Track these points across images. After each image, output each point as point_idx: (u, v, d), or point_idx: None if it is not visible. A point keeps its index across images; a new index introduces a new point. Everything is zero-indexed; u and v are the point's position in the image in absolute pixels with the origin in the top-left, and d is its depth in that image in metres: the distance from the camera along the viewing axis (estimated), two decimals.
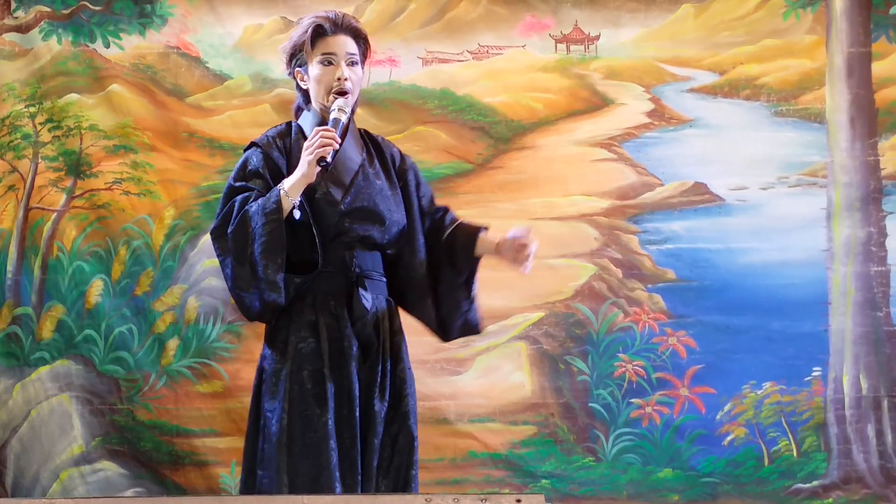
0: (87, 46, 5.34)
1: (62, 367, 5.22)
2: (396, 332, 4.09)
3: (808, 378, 5.30)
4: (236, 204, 3.94)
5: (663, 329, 5.32)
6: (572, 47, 5.43)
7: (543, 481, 5.23)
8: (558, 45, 5.42)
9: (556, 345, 5.32)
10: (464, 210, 5.23)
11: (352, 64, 4.08)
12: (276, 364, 3.98)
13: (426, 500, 3.31)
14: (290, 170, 4.00)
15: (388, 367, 4.03)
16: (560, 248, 5.34)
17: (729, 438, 5.28)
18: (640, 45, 5.43)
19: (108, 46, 5.34)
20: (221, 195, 4.05)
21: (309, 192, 3.94)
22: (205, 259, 5.25)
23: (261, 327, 4.08)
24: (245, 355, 5.18)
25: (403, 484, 3.98)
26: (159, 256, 5.28)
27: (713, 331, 5.32)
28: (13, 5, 5.32)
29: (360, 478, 3.91)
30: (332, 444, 3.88)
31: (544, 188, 5.37)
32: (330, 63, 4.05)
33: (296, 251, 3.93)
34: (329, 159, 3.89)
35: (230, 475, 5.12)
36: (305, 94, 4.15)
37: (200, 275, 5.27)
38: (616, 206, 5.38)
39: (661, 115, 5.43)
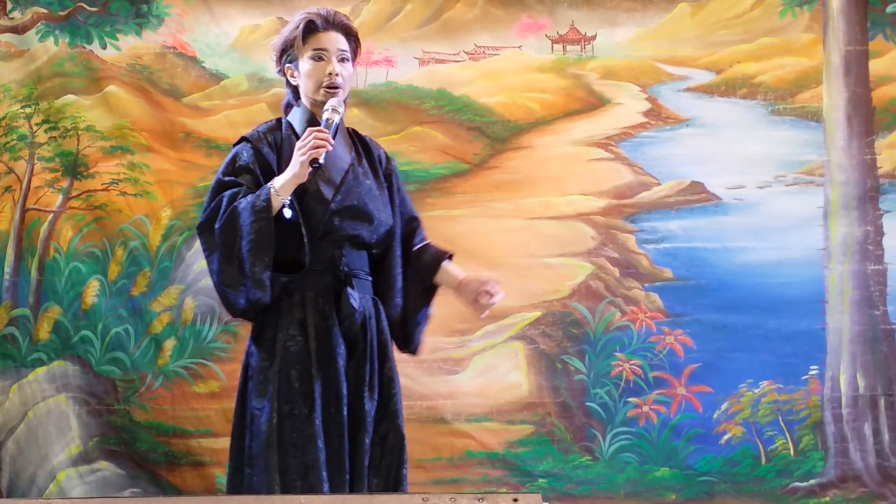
0: (84, 48, 5.34)
1: (59, 367, 5.23)
2: (383, 332, 4.10)
3: (805, 377, 5.30)
4: (224, 199, 3.94)
5: (660, 328, 5.33)
6: (569, 47, 5.43)
7: (541, 480, 5.24)
8: (555, 45, 5.43)
9: (553, 344, 5.32)
10: (461, 210, 5.32)
11: (343, 60, 4.09)
12: (263, 362, 3.98)
13: (423, 499, 3.31)
14: (280, 166, 4.02)
15: (377, 366, 4.03)
16: (557, 247, 5.36)
17: (726, 437, 5.28)
18: (636, 45, 5.44)
19: (104, 47, 5.34)
20: (209, 190, 4.04)
21: (299, 191, 3.95)
22: (202, 259, 5.19)
23: None
24: (242, 356, 5.08)
25: (394, 483, 3.99)
26: (156, 257, 5.29)
27: (710, 330, 5.32)
28: (9, 6, 5.33)
29: (348, 477, 3.91)
30: (320, 443, 3.89)
31: (541, 188, 5.38)
32: (321, 59, 4.06)
33: (283, 250, 3.93)
34: (321, 160, 3.90)
35: (226, 475, 5.12)
36: (295, 90, 4.15)
37: (197, 275, 5.27)
38: (613, 205, 5.38)
39: (657, 115, 5.43)
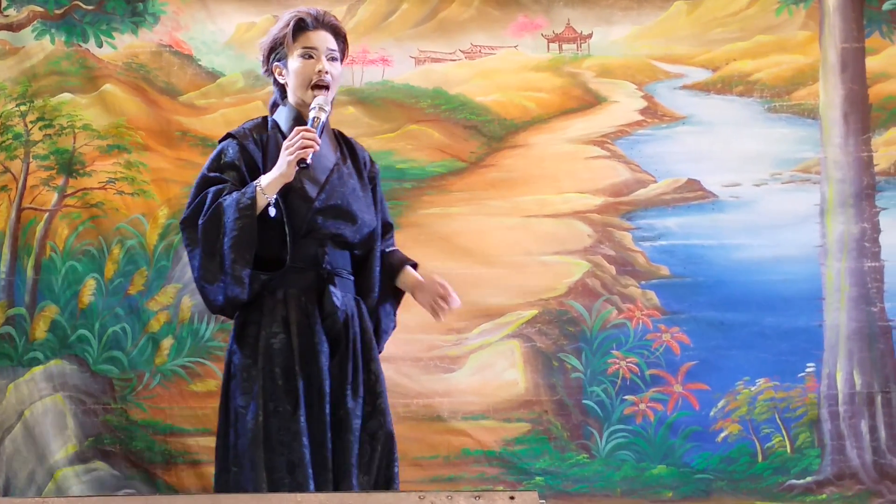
0: (80, 46, 5.34)
1: (56, 367, 5.23)
2: (367, 330, 4.12)
3: (802, 374, 5.31)
4: (209, 195, 3.96)
5: (657, 326, 5.32)
6: (564, 46, 5.44)
7: (537, 478, 5.23)
8: (550, 44, 5.44)
9: (549, 342, 5.32)
10: (457, 207, 5.32)
11: (332, 59, 4.12)
12: (246, 360, 4.00)
13: (420, 497, 3.32)
14: (266, 163, 4.04)
15: (361, 365, 4.05)
16: (553, 245, 5.36)
17: (723, 435, 5.28)
18: (632, 43, 5.45)
19: (100, 46, 5.34)
20: (193, 185, 4.06)
21: (283, 189, 3.97)
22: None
23: None
24: None
25: (386, 480, 4.02)
26: (153, 256, 5.29)
27: (707, 327, 5.32)
28: (5, 4, 5.32)
29: (332, 475, 3.93)
30: (305, 440, 3.91)
31: (537, 186, 5.38)
32: (310, 57, 4.10)
33: (265, 247, 3.96)
34: (309, 160, 3.92)
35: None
36: (282, 88, 4.18)
37: None
38: (609, 203, 5.38)
39: (653, 113, 5.44)
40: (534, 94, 5.43)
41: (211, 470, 5.11)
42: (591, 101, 5.45)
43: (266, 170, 4.04)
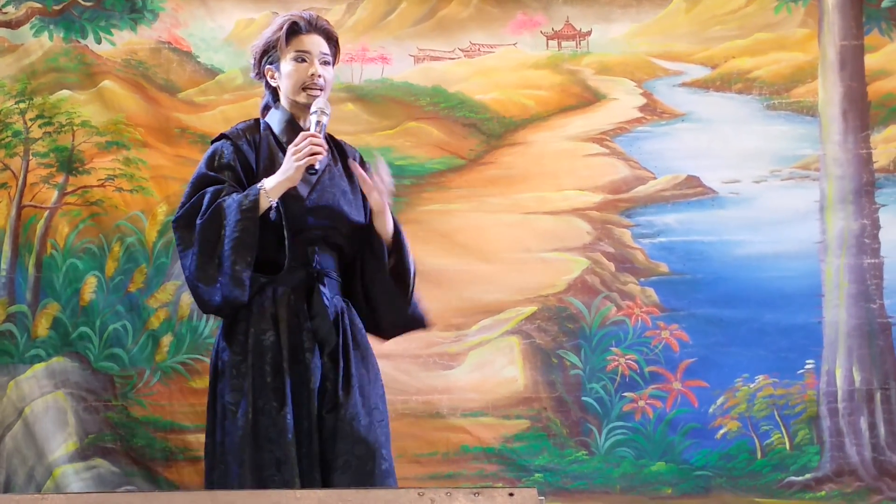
0: (79, 42, 5.33)
1: (58, 364, 5.22)
2: (360, 331, 4.15)
3: (801, 371, 5.32)
4: (207, 195, 3.99)
5: (656, 323, 5.34)
6: (563, 43, 5.44)
7: (536, 475, 5.25)
8: (549, 41, 5.43)
9: (548, 339, 5.34)
10: (456, 204, 5.34)
11: (325, 63, 4.16)
12: (236, 357, 4.04)
13: (419, 493, 3.32)
14: (258, 164, 4.08)
15: (352, 364, 4.07)
16: (552, 242, 5.37)
17: (722, 432, 5.29)
18: (631, 41, 5.44)
19: (99, 42, 5.34)
20: (189, 184, 4.09)
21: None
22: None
23: None
24: None
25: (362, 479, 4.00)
26: (153, 253, 5.30)
27: (706, 324, 5.32)
28: (3, 1, 5.32)
29: (319, 474, 3.96)
30: (291, 437, 3.94)
31: (536, 183, 5.39)
32: (303, 60, 4.14)
33: (260, 249, 3.98)
34: (318, 166, 3.97)
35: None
36: (274, 91, 4.22)
37: None
38: (608, 200, 5.39)
39: (653, 110, 5.44)
40: (533, 92, 5.44)
41: None
42: (590, 98, 5.45)
43: (259, 170, 4.08)
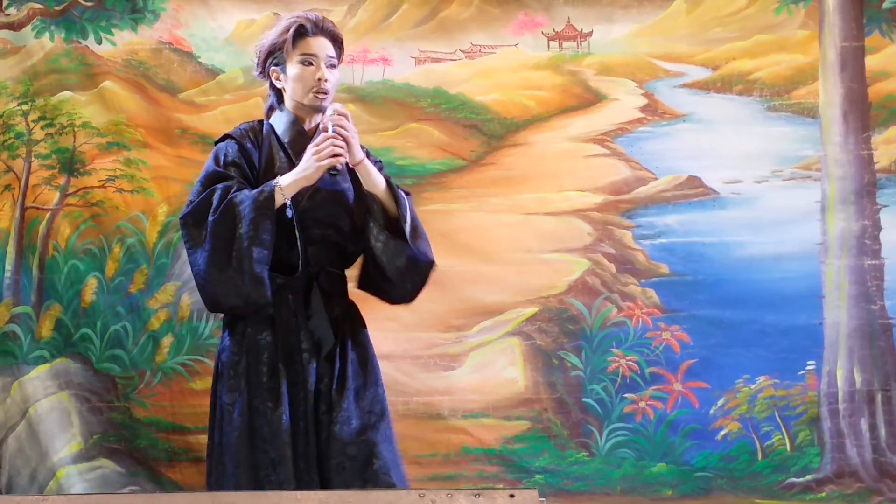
0: (80, 43, 5.34)
1: (61, 365, 5.25)
2: (361, 331, 4.17)
3: (802, 372, 5.34)
4: (218, 192, 3.99)
5: (657, 324, 5.36)
6: (565, 44, 5.45)
7: (537, 476, 5.27)
8: (551, 42, 5.45)
9: (549, 340, 5.36)
10: (457, 204, 5.33)
11: (330, 66, 4.18)
12: (234, 356, 4.07)
13: (420, 495, 3.34)
14: (261, 164, 4.10)
15: (349, 365, 4.09)
16: (553, 243, 5.40)
17: (722, 433, 5.32)
18: (632, 41, 5.46)
19: (100, 43, 5.35)
20: (197, 182, 4.09)
21: None
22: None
23: None
24: None
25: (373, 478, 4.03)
26: (153, 254, 5.31)
27: (706, 325, 5.35)
28: (5, 3, 5.33)
29: (317, 475, 3.98)
30: (287, 437, 3.97)
31: (537, 184, 5.41)
32: (310, 64, 4.15)
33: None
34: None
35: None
36: (279, 93, 4.23)
37: None
38: (609, 201, 5.41)
39: (654, 110, 5.45)
40: (534, 93, 5.46)
41: None
42: (591, 99, 5.47)
43: (261, 171, 4.11)
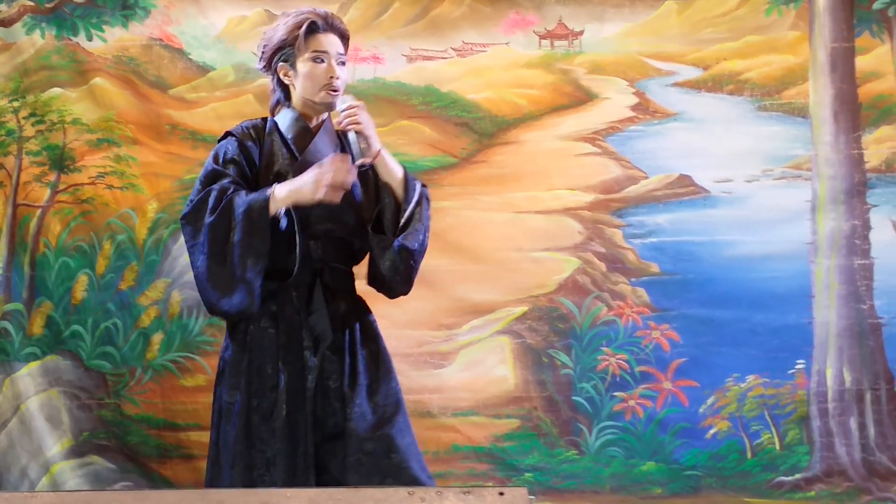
0: (70, 40, 5.35)
1: (52, 362, 5.27)
2: (372, 326, 4.17)
3: (792, 371, 5.36)
4: (214, 192, 4.00)
5: (647, 323, 5.38)
6: (556, 43, 5.46)
7: (527, 474, 5.29)
8: (542, 41, 5.46)
9: (539, 338, 5.38)
10: (448, 202, 5.31)
11: (341, 64, 4.17)
12: (236, 355, 4.08)
13: (409, 493, 3.33)
14: (262, 162, 4.10)
15: (360, 361, 4.10)
16: (544, 241, 5.42)
17: (712, 432, 5.34)
18: (623, 41, 5.47)
19: (90, 39, 5.36)
20: (198, 180, 4.10)
21: (280, 181, 4.06)
22: (187, 253, 5.29)
23: None
24: None
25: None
26: (143, 250, 5.32)
27: (697, 324, 5.37)
28: None
29: (314, 474, 3.99)
30: (284, 437, 3.98)
31: (528, 182, 5.42)
32: (322, 61, 4.14)
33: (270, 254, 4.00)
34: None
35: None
36: (286, 90, 4.22)
37: (183, 268, 5.28)
38: (600, 199, 5.43)
39: (645, 109, 5.47)
40: (525, 91, 5.47)
41: (204, 464, 5.18)
42: (582, 97, 5.48)
43: (262, 168, 4.12)
